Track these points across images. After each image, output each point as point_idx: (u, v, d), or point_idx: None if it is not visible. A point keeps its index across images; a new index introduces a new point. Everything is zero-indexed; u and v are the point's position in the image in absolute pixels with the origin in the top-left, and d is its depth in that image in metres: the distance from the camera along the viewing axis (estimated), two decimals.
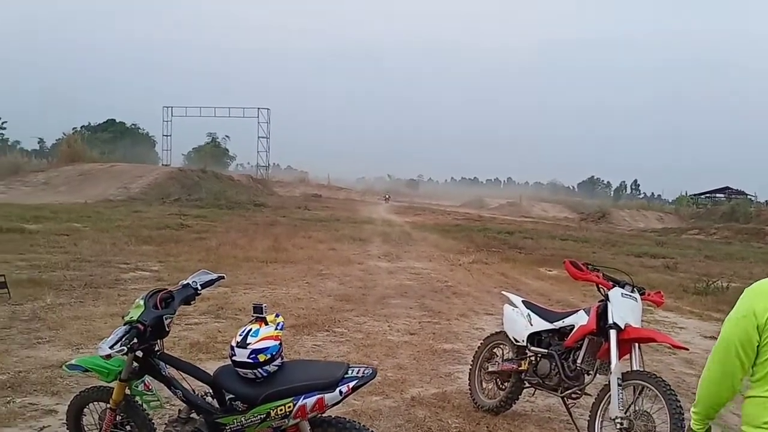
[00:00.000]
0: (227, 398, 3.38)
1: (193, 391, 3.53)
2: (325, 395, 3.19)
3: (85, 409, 3.79)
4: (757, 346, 2.29)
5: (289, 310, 8.95)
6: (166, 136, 63.65)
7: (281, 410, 3.19)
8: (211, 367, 3.62)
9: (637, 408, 4.25)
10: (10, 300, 8.57)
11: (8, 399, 5.14)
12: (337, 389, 3.21)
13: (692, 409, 2.55)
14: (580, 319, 4.82)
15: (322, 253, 15.90)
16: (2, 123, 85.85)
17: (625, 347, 4.52)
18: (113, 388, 3.54)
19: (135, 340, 3.25)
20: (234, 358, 3.33)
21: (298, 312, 8.93)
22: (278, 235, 19.91)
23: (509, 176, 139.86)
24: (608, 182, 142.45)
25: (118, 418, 3.63)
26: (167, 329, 3.43)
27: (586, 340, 4.72)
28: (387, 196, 63.14)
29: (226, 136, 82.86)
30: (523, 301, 5.43)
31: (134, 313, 3.34)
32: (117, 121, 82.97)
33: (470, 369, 5.74)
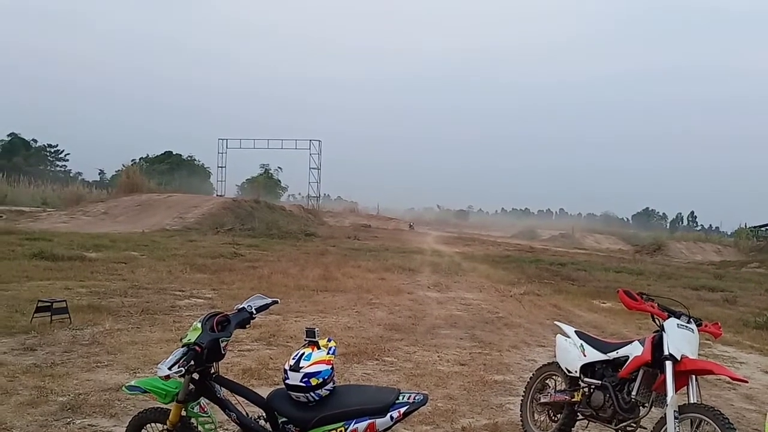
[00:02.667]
0: (280, 421, 3.43)
1: (247, 414, 3.60)
2: (377, 420, 3.22)
3: (143, 430, 3.89)
4: None
5: (339, 338, 8.99)
6: (221, 167, 65.21)
7: None
8: (262, 393, 3.68)
9: None
10: (71, 325, 8.85)
11: (68, 420, 5.30)
12: (388, 414, 3.23)
13: None
14: (635, 350, 4.73)
15: (372, 283, 15.93)
16: (65, 155, 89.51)
17: (681, 379, 4.42)
18: (170, 409, 3.63)
19: (192, 362, 3.34)
20: (287, 381, 3.39)
21: (348, 340, 8.97)
22: (328, 264, 20.06)
23: (561, 207, 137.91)
24: (664, 214, 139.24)
25: None
26: (223, 352, 3.52)
27: (641, 372, 4.63)
28: (411, 224, 64.03)
29: (279, 168, 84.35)
30: (575, 332, 5.36)
31: (192, 336, 3.44)
32: (174, 152, 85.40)
33: (522, 400, 5.67)
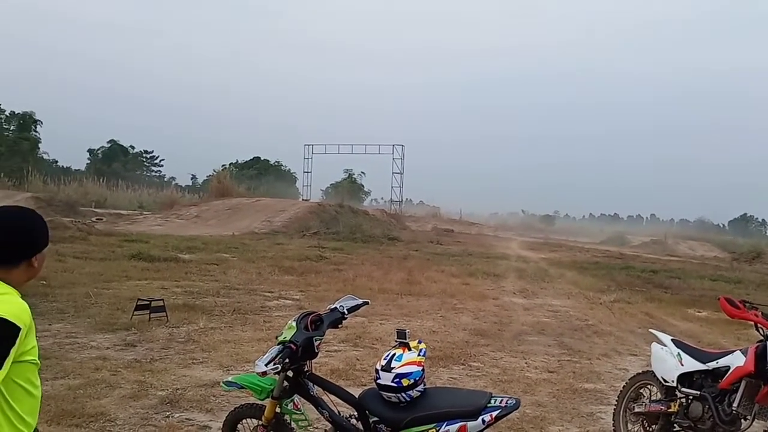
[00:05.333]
0: (371, 421, 3.47)
1: (339, 412, 3.66)
2: (468, 423, 3.20)
3: (239, 425, 4.02)
4: None
5: (424, 342, 8.99)
6: (307, 172, 66.52)
7: None
8: (352, 393, 3.73)
9: None
10: (168, 322, 9.25)
11: (167, 414, 5.54)
12: (480, 418, 3.21)
13: None
14: (737, 360, 4.52)
15: (456, 288, 15.84)
16: (160, 161, 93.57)
17: None
18: (265, 405, 3.74)
19: (287, 360, 3.43)
20: (378, 381, 3.42)
21: (434, 345, 8.95)
22: (411, 268, 20.09)
23: (652, 213, 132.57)
24: (764, 220, 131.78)
25: None
26: (316, 350, 3.59)
27: (744, 383, 4.42)
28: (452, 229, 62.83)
29: (362, 172, 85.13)
30: (672, 340, 5.17)
31: (287, 334, 3.53)
32: (261, 158, 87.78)
33: (614, 409, 5.50)
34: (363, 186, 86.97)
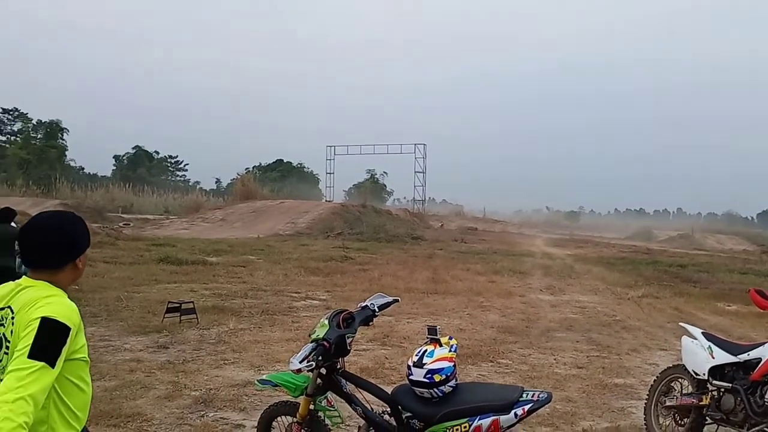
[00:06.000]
0: (404, 416, 3.52)
1: (372, 408, 3.71)
2: (501, 417, 3.24)
3: (274, 423, 4.10)
4: None
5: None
6: (329, 173, 66.79)
7: (457, 430, 3.28)
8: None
9: None
10: (199, 324, 9.38)
11: (202, 413, 5.64)
12: (513, 411, 3.24)
13: None
14: None
15: (482, 285, 15.83)
16: (184, 165, 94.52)
17: None
18: (299, 403, 3.80)
19: (320, 357, 3.49)
20: (411, 377, 3.47)
21: (462, 342, 8.90)
22: (436, 267, 20.11)
23: (679, 207, 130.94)
24: None
25: (303, 431, 3.88)
26: (349, 348, 3.65)
27: None
28: (442, 224, 62.22)
29: (384, 172, 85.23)
30: (702, 333, 5.14)
31: (320, 332, 3.59)
32: (284, 160, 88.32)
33: (645, 403, 5.48)
34: (385, 186, 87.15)
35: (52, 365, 2.01)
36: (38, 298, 2.13)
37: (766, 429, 4.54)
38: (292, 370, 3.45)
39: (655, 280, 19.26)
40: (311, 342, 3.56)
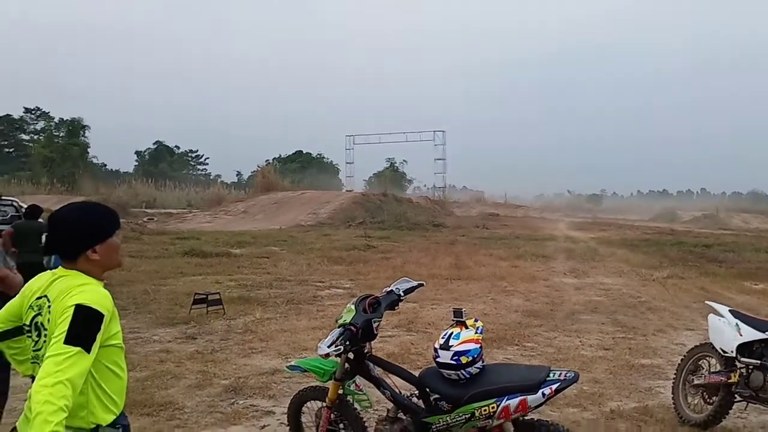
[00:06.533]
0: (432, 398, 3.54)
1: (400, 392, 3.75)
2: (528, 397, 3.25)
3: (303, 407, 4.15)
4: None
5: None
6: (349, 163, 66.97)
7: (485, 410, 3.29)
8: None
9: None
10: (225, 315, 9.49)
11: (232, 401, 5.73)
12: (540, 391, 3.25)
13: None
14: None
15: (505, 270, 15.81)
16: (205, 159, 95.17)
17: None
18: (328, 387, 3.85)
19: (348, 342, 3.53)
20: (438, 359, 3.49)
21: (487, 327, 8.88)
22: (459, 253, 20.11)
23: (703, 187, 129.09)
24: None
25: (332, 416, 3.93)
26: (375, 332, 3.69)
27: None
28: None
29: (404, 160, 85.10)
30: (730, 310, 5.11)
31: (347, 317, 3.63)
32: (304, 151, 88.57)
33: (673, 382, 5.47)
34: (405, 174, 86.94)
35: (88, 350, 2.07)
36: (72, 287, 2.20)
37: None
38: (320, 355, 3.50)
39: (680, 260, 19.10)
40: (338, 327, 3.60)
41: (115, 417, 2.29)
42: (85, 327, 2.09)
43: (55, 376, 1.97)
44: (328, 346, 3.44)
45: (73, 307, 2.11)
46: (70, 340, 2.04)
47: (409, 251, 20.53)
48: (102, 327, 2.14)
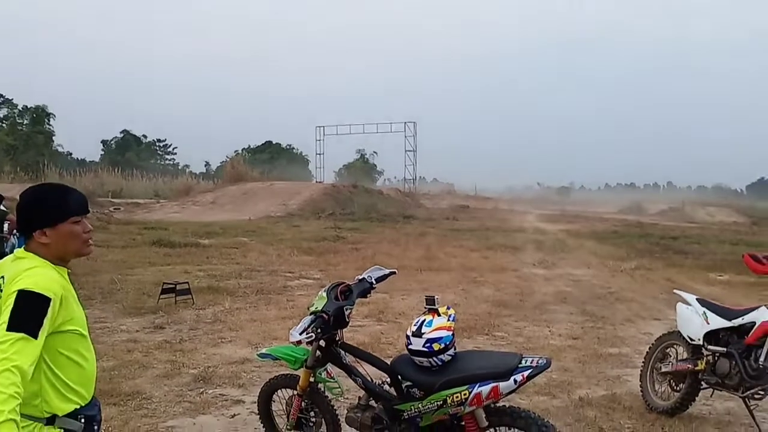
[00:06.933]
0: (404, 386, 3.54)
1: (372, 379, 3.73)
2: (500, 384, 3.25)
3: (274, 395, 4.12)
4: None
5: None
6: (319, 154, 66.39)
7: (457, 397, 3.29)
8: None
9: None
10: (194, 305, 9.38)
11: (201, 390, 5.67)
12: (512, 378, 3.26)
13: None
14: (762, 315, 4.56)
15: (475, 261, 15.89)
16: (173, 149, 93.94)
17: None
18: (299, 375, 3.82)
19: (320, 329, 3.50)
20: (410, 346, 3.48)
21: (457, 317, 8.96)
22: (429, 244, 20.16)
23: (669, 180, 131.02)
24: None
25: (303, 404, 3.90)
26: (347, 320, 3.66)
27: None
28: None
29: (374, 152, 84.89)
30: (697, 299, 5.20)
31: (318, 304, 3.60)
32: (273, 142, 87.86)
33: (641, 370, 5.55)
34: (376, 166, 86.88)
35: (34, 336, 1.99)
36: (21, 271, 2.13)
37: (760, 392, 4.61)
38: (291, 342, 3.47)
39: (648, 252, 19.40)
40: (310, 314, 3.57)
41: (76, 407, 2.21)
42: (29, 312, 2.01)
43: (1, 364, 1.89)
44: (300, 333, 3.41)
45: (15, 293, 2.03)
46: (12, 326, 1.97)
47: (379, 242, 20.50)
48: (49, 312, 2.04)
